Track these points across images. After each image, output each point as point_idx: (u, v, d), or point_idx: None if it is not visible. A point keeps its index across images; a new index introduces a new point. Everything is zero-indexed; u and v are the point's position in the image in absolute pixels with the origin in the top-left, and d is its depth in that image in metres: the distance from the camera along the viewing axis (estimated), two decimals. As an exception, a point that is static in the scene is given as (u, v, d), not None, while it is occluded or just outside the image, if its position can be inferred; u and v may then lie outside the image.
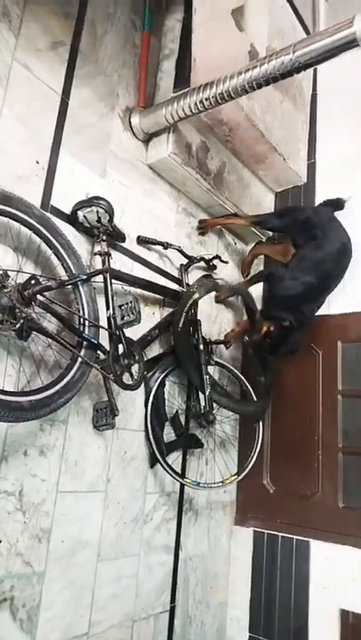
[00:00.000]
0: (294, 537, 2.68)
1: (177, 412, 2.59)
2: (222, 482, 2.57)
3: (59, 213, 2.08)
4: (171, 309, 2.56)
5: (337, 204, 2.91)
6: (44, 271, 1.97)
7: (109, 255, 2.12)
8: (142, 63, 2.60)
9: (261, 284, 3.07)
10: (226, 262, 2.99)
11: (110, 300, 2.06)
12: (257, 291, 2.93)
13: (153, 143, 2.60)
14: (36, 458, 1.89)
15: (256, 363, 2.85)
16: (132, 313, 2.09)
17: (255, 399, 2.78)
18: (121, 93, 2.50)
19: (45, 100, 2.09)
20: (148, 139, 2.60)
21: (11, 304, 1.64)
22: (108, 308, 2.06)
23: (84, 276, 1.94)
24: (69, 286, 1.94)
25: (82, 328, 1.93)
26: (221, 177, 2.89)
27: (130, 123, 2.52)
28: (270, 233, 3.23)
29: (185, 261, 2.72)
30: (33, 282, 1.74)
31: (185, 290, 2.60)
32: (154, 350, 2.52)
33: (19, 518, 1.81)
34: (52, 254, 1.94)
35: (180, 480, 2.44)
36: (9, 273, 1.70)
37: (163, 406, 2.50)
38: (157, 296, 2.55)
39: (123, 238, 2.28)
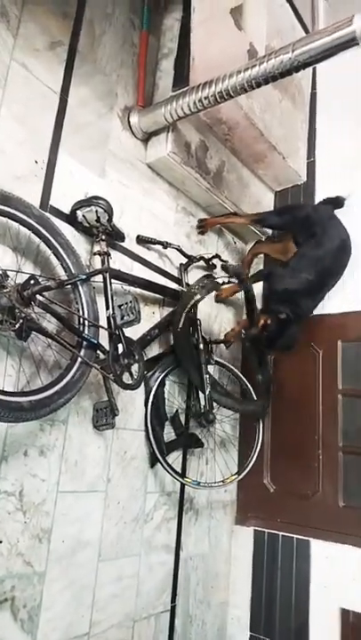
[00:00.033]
0: (295, 536, 2.68)
1: (177, 411, 2.59)
2: (223, 481, 2.57)
3: (58, 213, 2.08)
4: (170, 309, 2.56)
5: (337, 201, 2.91)
6: (43, 271, 1.97)
7: (109, 255, 2.12)
8: (141, 62, 2.60)
9: (261, 283, 3.07)
10: (226, 262, 2.97)
11: (110, 300, 2.06)
12: (257, 290, 2.92)
13: (152, 142, 2.59)
14: (36, 458, 1.89)
15: (254, 359, 2.85)
16: (132, 312, 2.09)
17: (255, 398, 2.78)
18: (120, 93, 2.50)
19: (44, 99, 2.09)
20: (147, 138, 2.60)
21: (10, 304, 1.64)
22: (107, 308, 2.06)
23: (84, 276, 1.94)
24: (69, 286, 1.93)
25: (81, 328, 1.93)
26: (221, 176, 2.89)
27: (129, 122, 2.52)
28: (270, 231, 3.23)
29: (185, 261, 2.72)
30: (32, 282, 1.74)
31: (185, 289, 2.60)
32: (154, 350, 2.52)
33: (19, 518, 1.81)
34: (52, 254, 1.94)
35: (181, 479, 2.44)
36: (8, 273, 1.70)
37: (163, 406, 2.50)
38: (157, 295, 2.54)
39: (122, 238, 2.27)
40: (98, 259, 2.14)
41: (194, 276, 2.79)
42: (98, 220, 2.09)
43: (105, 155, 2.37)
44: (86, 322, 1.94)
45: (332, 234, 2.71)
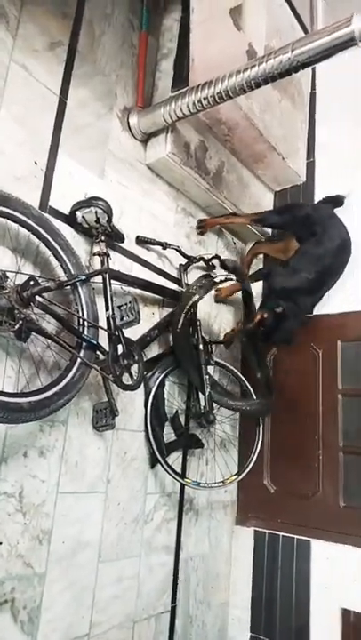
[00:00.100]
0: (295, 536, 2.68)
1: (177, 412, 2.59)
2: (223, 482, 2.57)
3: (57, 214, 2.08)
4: (170, 309, 2.56)
5: (336, 200, 2.91)
6: (42, 272, 1.96)
7: (108, 256, 2.12)
8: (140, 63, 2.60)
9: (261, 283, 3.07)
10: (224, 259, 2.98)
11: (109, 301, 2.05)
12: (256, 290, 2.93)
13: (151, 143, 2.59)
14: (35, 459, 1.89)
15: (252, 358, 2.85)
16: (132, 313, 2.09)
17: (255, 398, 2.77)
18: (119, 93, 2.49)
19: (43, 100, 2.09)
20: (146, 139, 2.60)
21: (10, 305, 1.64)
22: (107, 309, 2.06)
23: (83, 277, 1.94)
24: (68, 287, 1.93)
25: (81, 329, 1.93)
26: (220, 176, 2.89)
27: (128, 123, 2.52)
28: (270, 231, 3.23)
29: (184, 261, 2.72)
30: (32, 283, 1.74)
31: (184, 290, 2.60)
32: (153, 350, 2.52)
33: (19, 520, 1.81)
34: (51, 255, 1.93)
35: (181, 480, 2.44)
36: (8, 274, 1.70)
37: (163, 406, 2.50)
38: (157, 296, 2.54)
39: (121, 239, 2.27)
40: (97, 259, 2.14)
41: (193, 276, 2.79)
42: (97, 220, 2.09)
43: (104, 155, 2.37)
44: (86, 322, 1.94)
45: (333, 233, 2.71)
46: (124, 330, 2.08)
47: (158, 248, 2.59)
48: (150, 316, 2.52)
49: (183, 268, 2.72)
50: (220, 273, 2.68)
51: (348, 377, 2.76)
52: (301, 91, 3.28)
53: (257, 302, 2.78)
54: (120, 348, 2.06)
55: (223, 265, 2.66)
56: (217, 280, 2.57)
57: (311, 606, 2.54)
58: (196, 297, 2.39)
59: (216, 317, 3.03)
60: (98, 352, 1.97)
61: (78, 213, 2.09)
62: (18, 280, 1.74)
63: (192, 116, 2.40)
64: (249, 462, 2.66)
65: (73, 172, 2.18)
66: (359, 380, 2.73)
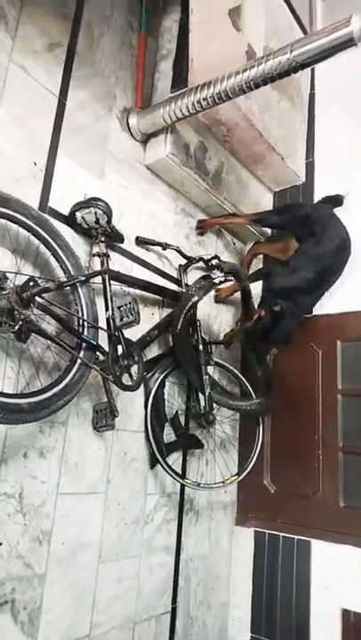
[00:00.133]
0: (295, 537, 2.68)
1: (177, 412, 2.59)
2: (223, 482, 2.57)
3: (57, 215, 2.08)
4: (170, 310, 2.56)
5: (336, 200, 2.91)
6: (42, 273, 1.97)
7: (108, 256, 2.12)
8: (139, 64, 2.60)
9: (260, 282, 3.07)
10: (223, 261, 2.97)
11: (109, 302, 2.05)
12: (256, 289, 2.93)
13: (151, 144, 2.59)
14: (35, 460, 1.89)
15: (251, 354, 2.85)
16: (131, 314, 2.09)
17: (256, 397, 2.77)
18: (118, 94, 2.50)
19: (42, 101, 2.09)
20: (145, 139, 2.60)
21: (9, 306, 1.64)
22: (106, 310, 2.06)
23: (83, 278, 1.94)
24: (68, 288, 1.93)
25: (81, 329, 1.93)
26: (220, 177, 2.89)
27: (127, 124, 2.52)
28: (269, 232, 3.23)
29: (184, 262, 2.72)
30: (31, 283, 1.74)
31: (184, 290, 2.60)
32: (153, 351, 2.52)
33: (19, 520, 1.81)
34: (51, 256, 1.94)
35: (181, 481, 2.44)
36: (7, 275, 1.70)
37: (162, 407, 2.50)
38: (156, 297, 2.55)
39: (121, 239, 2.27)
40: (97, 260, 2.14)
41: (193, 277, 2.79)
42: (97, 221, 2.09)
43: (104, 156, 2.37)
44: (85, 323, 1.94)
45: (332, 233, 2.72)
46: (123, 330, 2.08)
47: (158, 249, 2.59)
48: (150, 317, 2.52)
49: (183, 269, 2.72)
50: (219, 274, 2.69)
51: (347, 377, 2.76)
52: (301, 91, 3.28)
53: (257, 302, 2.78)
54: (120, 349, 2.06)
55: (220, 268, 2.68)
56: (216, 281, 2.58)
57: (311, 606, 2.54)
58: (196, 298, 2.39)
59: (216, 318, 3.03)
60: (98, 353, 1.97)
61: (78, 214, 2.09)
62: (17, 281, 1.74)
63: (191, 117, 2.40)
64: (249, 463, 2.66)
65: (72, 173, 2.19)
66: (359, 380, 2.73)
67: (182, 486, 2.59)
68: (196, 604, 2.64)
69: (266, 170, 3.17)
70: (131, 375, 2.11)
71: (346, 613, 2.44)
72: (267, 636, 2.67)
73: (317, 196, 3.14)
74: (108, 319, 2.05)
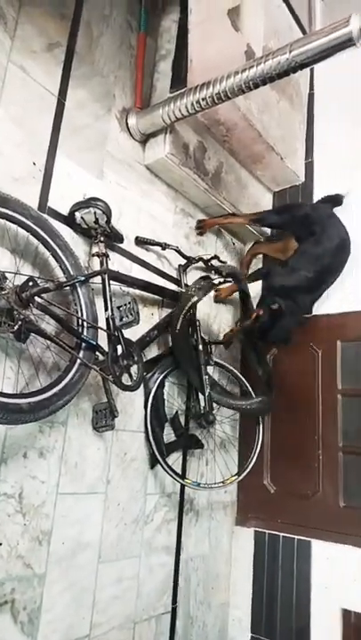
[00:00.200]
0: (295, 537, 2.68)
1: (177, 412, 2.59)
2: (223, 482, 2.57)
3: (56, 215, 2.08)
4: (170, 310, 2.56)
5: (335, 200, 2.91)
6: (41, 273, 1.97)
7: (107, 256, 2.12)
8: (138, 64, 2.60)
9: (260, 282, 3.07)
10: (224, 262, 2.98)
11: (108, 301, 2.05)
12: (255, 290, 2.93)
13: (150, 144, 2.59)
14: (35, 460, 1.89)
15: (251, 353, 2.85)
16: (131, 314, 2.09)
17: (255, 396, 2.77)
18: (117, 94, 2.50)
19: (41, 101, 2.09)
20: (145, 139, 2.60)
21: (9, 306, 1.64)
22: (106, 310, 2.05)
23: (82, 278, 1.94)
24: (67, 288, 1.93)
25: (80, 329, 1.93)
26: (219, 177, 2.89)
27: (127, 124, 2.52)
28: (269, 231, 3.23)
29: (183, 262, 2.72)
30: (31, 284, 1.74)
31: (183, 290, 2.60)
32: (153, 351, 2.52)
33: (19, 520, 1.81)
34: (50, 256, 1.93)
35: (181, 481, 2.44)
36: (6, 275, 1.70)
37: (162, 407, 2.50)
38: (156, 297, 2.54)
39: (120, 239, 2.27)
40: (96, 260, 2.14)
41: (193, 277, 2.79)
42: (96, 221, 2.09)
43: (103, 156, 2.37)
44: (85, 323, 1.94)
45: (332, 232, 2.72)
46: (123, 330, 2.08)
47: (157, 249, 2.59)
48: (150, 317, 2.52)
49: (182, 269, 2.72)
50: (218, 277, 2.70)
51: (347, 377, 2.76)
52: (300, 91, 3.28)
53: (257, 302, 2.78)
54: (119, 349, 2.05)
55: (219, 272, 2.70)
56: (216, 282, 2.58)
57: (312, 606, 2.54)
58: (195, 298, 2.39)
59: (215, 318, 3.03)
60: (97, 353, 1.97)
61: (77, 214, 2.09)
62: (17, 281, 1.74)
63: (190, 117, 2.40)
64: (249, 463, 2.66)
65: (71, 173, 2.19)
66: (359, 380, 2.73)
67: (182, 486, 2.59)
68: (197, 603, 2.64)
69: (265, 170, 3.18)
70: (130, 375, 2.10)
71: (346, 613, 2.44)
72: (267, 636, 2.67)
73: (317, 196, 3.14)
74: (107, 319, 2.05)
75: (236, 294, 2.92)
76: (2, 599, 1.74)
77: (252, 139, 2.86)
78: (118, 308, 2.08)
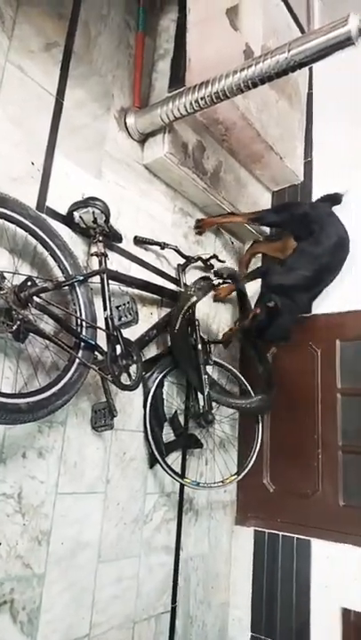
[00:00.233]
0: (295, 536, 2.68)
1: (176, 412, 2.59)
2: (222, 481, 2.57)
3: (54, 214, 2.08)
4: (169, 309, 2.56)
5: (335, 198, 2.91)
6: (40, 273, 1.96)
7: (106, 256, 2.12)
8: (137, 63, 2.60)
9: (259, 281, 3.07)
10: (223, 262, 2.98)
11: (107, 301, 2.05)
12: (254, 289, 2.93)
13: (149, 143, 2.59)
14: (34, 460, 1.89)
15: (251, 352, 2.85)
16: (130, 313, 2.09)
17: (255, 395, 2.77)
18: (116, 94, 2.50)
19: (39, 101, 2.09)
20: (143, 139, 2.60)
21: (7, 306, 1.64)
22: (105, 309, 2.05)
23: (81, 277, 1.94)
24: (66, 287, 1.93)
25: (79, 329, 1.92)
26: (218, 176, 2.89)
27: (125, 123, 2.52)
28: (268, 231, 3.23)
29: (182, 261, 2.72)
30: (29, 283, 1.74)
31: (183, 290, 2.60)
32: (152, 350, 2.52)
33: (18, 520, 1.81)
34: (49, 256, 1.93)
35: (180, 480, 2.44)
36: (5, 275, 1.70)
37: (161, 407, 2.49)
38: (155, 296, 2.54)
39: (119, 239, 2.27)
40: (95, 260, 2.14)
41: (192, 276, 2.79)
42: (95, 221, 2.09)
43: (101, 156, 2.37)
44: (84, 323, 1.94)
45: (330, 231, 2.72)
46: (122, 330, 2.08)
47: (156, 248, 2.59)
48: (149, 317, 2.52)
49: (181, 268, 2.72)
50: (218, 279, 2.70)
51: (346, 376, 2.76)
52: (298, 90, 3.28)
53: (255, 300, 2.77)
54: (118, 349, 2.05)
55: (216, 274, 2.71)
56: (216, 282, 2.58)
57: (311, 606, 2.54)
58: (195, 298, 2.39)
59: (215, 317, 3.03)
60: (96, 352, 1.97)
61: (76, 214, 2.09)
62: (15, 281, 1.74)
63: (189, 116, 2.40)
64: (248, 462, 2.66)
65: (70, 173, 2.18)
66: (358, 380, 2.73)
67: (182, 486, 2.59)
68: (196, 603, 2.64)
69: (264, 169, 3.17)
70: (129, 375, 2.10)
71: (346, 612, 2.44)
72: (267, 636, 2.67)
73: (316, 196, 3.13)
74: (106, 319, 2.05)
75: (235, 294, 2.93)
76: (1, 599, 1.74)
77: (251, 138, 2.86)
78: (117, 307, 2.08)
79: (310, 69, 3.41)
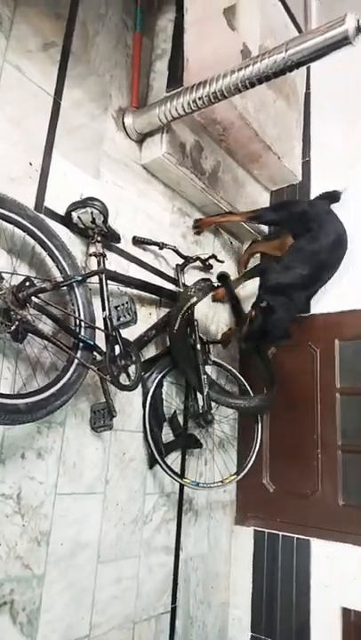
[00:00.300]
0: (295, 536, 2.68)
1: (175, 412, 2.59)
2: (222, 481, 2.57)
3: (53, 215, 2.08)
4: (167, 309, 2.56)
5: (333, 196, 2.92)
6: (38, 273, 1.96)
7: (104, 256, 2.12)
8: (135, 63, 2.60)
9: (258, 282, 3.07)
10: (222, 261, 2.99)
11: (106, 301, 2.05)
12: (254, 288, 2.93)
13: (147, 143, 2.59)
14: (33, 460, 1.88)
15: (253, 353, 2.85)
16: (129, 314, 2.09)
17: (254, 395, 2.76)
18: (113, 94, 2.49)
19: (37, 101, 2.09)
20: (141, 139, 2.60)
21: (5, 306, 1.64)
22: (103, 309, 2.05)
23: (80, 278, 1.93)
24: (65, 288, 1.93)
25: (78, 329, 1.92)
26: (216, 176, 2.89)
27: (123, 123, 2.52)
28: (266, 230, 3.23)
29: (181, 261, 2.71)
30: (27, 284, 1.73)
31: (181, 290, 2.60)
32: (151, 351, 2.51)
33: (17, 521, 1.81)
34: (47, 256, 1.93)
35: (180, 480, 2.43)
36: (3, 275, 1.70)
37: (161, 407, 2.49)
38: (154, 296, 2.54)
39: (117, 239, 2.27)
40: (93, 260, 2.13)
41: (190, 276, 2.79)
42: (93, 221, 2.09)
43: (99, 156, 2.37)
44: (82, 323, 1.94)
45: (328, 229, 2.72)
46: (121, 330, 2.08)
47: (155, 248, 2.59)
48: (147, 317, 2.51)
49: (180, 268, 2.72)
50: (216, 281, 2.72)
51: (345, 375, 2.76)
52: (296, 90, 3.28)
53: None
54: (117, 349, 2.05)
55: (220, 278, 2.74)
56: (215, 284, 2.58)
57: (311, 605, 2.54)
58: (195, 299, 2.39)
59: (214, 317, 3.03)
60: (95, 353, 1.97)
61: (74, 214, 2.09)
62: (13, 281, 1.74)
63: (187, 116, 2.40)
64: (248, 462, 2.65)
65: (68, 173, 2.18)
66: (357, 379, 2.73)
67: (181, 486, 2.59)
68: (196, 603, 2.64)
69: (262, 169, 3.17)
70: (128, 375, 2.10)
71: (346, 612, 2.44)
72: (267, 636, 2.67)
73: (314, 195, 3.13)
74: (105, 319, 2.05)
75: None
76: (1, 600, 1.73)
77: (249, 138, 2.86)
78: (116, 307, 2.08)
79: (308, 69, 3.41)
